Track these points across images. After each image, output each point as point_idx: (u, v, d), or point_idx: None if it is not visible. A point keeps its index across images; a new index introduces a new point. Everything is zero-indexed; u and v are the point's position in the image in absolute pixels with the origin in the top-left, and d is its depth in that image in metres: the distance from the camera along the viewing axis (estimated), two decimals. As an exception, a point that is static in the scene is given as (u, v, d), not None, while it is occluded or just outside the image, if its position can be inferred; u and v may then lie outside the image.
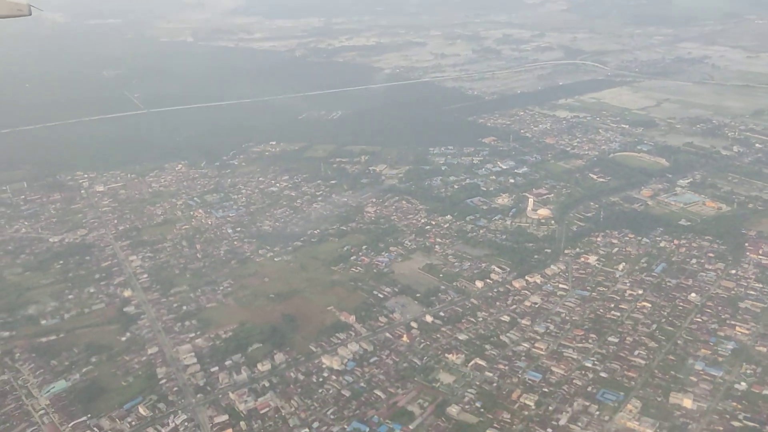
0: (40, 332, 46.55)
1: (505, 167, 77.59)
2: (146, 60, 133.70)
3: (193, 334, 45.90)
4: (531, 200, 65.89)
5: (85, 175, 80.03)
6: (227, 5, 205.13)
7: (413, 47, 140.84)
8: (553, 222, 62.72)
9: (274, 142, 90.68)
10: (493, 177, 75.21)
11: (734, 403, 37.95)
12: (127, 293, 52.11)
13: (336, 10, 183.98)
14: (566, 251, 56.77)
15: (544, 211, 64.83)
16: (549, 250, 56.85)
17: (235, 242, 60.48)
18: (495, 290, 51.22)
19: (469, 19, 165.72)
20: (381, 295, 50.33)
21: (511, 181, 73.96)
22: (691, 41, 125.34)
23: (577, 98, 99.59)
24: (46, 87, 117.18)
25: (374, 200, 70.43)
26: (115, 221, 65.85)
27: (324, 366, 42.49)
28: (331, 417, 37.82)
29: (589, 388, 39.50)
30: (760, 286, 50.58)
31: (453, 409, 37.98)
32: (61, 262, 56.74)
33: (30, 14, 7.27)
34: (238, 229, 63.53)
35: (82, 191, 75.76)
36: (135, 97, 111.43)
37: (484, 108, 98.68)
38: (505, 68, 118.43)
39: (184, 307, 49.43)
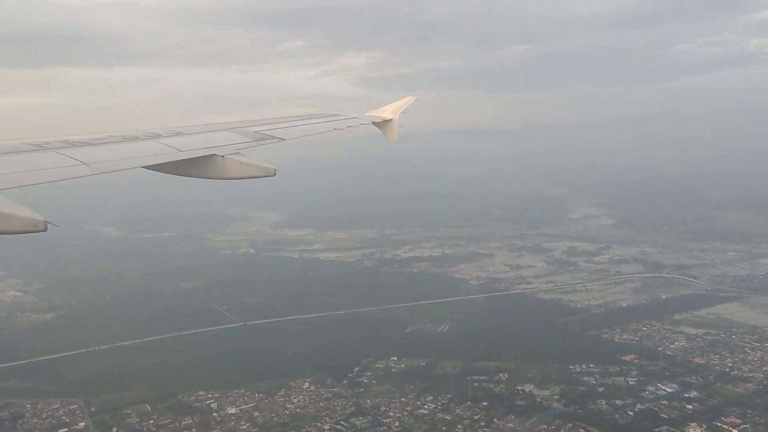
0: None
1: (670, 390, 73.40)
2: (219, 271, 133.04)
3: None
4: None
5: (210, 395, 74.04)
6: (273, 219, 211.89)
7: (482, 258, 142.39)
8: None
9: (395, 358, 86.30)
10: (665, 402, 70.61)
11: None
12: None
13: (386, 223, 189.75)
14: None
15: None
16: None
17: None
18: None
19: (521, 231, 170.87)
20: None
21: (688, 407, 69.29)
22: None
23: (692, 313, 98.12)
24: (126, 301, 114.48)
25: (545, 427, 64.99)
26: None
27: None
28: None
29: None
30: None
31: None
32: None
33: (45, 230, 7.10)
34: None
35: (214, 414, 69.56)
36: (224, 310, 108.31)
37: (598, 322, 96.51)
38: (591, 280, 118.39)
39: None
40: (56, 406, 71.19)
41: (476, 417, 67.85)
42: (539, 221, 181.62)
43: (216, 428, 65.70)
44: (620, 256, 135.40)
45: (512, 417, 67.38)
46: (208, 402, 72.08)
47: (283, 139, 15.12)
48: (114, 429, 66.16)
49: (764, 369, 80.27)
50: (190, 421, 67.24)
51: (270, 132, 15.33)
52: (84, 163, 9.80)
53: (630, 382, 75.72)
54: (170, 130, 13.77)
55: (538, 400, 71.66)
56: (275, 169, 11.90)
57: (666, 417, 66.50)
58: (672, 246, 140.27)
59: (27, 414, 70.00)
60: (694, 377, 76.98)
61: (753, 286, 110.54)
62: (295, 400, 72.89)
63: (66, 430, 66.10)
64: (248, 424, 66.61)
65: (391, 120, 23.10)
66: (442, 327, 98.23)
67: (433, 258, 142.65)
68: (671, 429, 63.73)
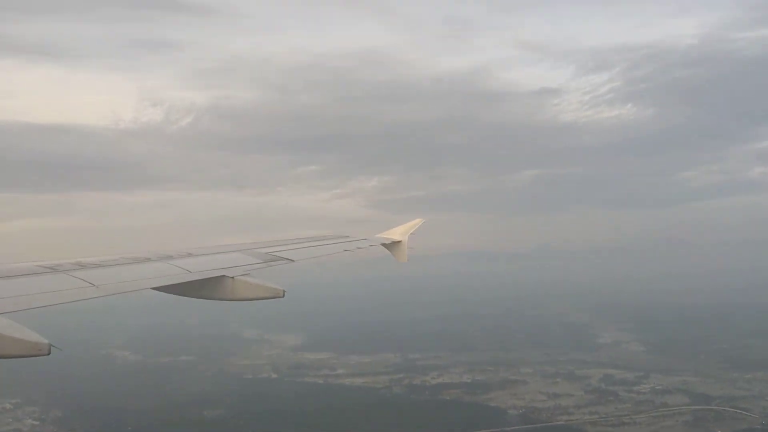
0: None
1: None
2: (242, 399, 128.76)
3: None
4: None
5: None
6: (292, 342, 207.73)
7: (516, 385, 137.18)
8: None
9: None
10: None
11: None
12: None
13: (409, 347, 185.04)
14: None
15: None
16: None
17: None
18: None
19: (550, 356, 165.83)
20: None
21: None
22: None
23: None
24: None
25: None
26: None
27: None
28: None
29: None
30: None
31: None
32: None
33: (49, 353, 6.98)
34: None
35: None
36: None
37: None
38: (637, 412, 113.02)
39: None
40: None
41: None
42: (567, 346, 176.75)
43: None
44: (662, 385, 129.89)
45: None
46: None
47: (294, 260, 15.22)
48: None
49: None
50: None
51: (280, 253, 15.42)
52: (93, 285, 9.87)
53: None
54: (181, 252, 13.86)
55: None
56: (284, 290, 11.92)
57: None
58: (714, 375, 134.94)
59: None
60: None
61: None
62: None
63: None
64: None
65: (400, 241, 23.30)
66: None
67: (463, 384, 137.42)
68: None
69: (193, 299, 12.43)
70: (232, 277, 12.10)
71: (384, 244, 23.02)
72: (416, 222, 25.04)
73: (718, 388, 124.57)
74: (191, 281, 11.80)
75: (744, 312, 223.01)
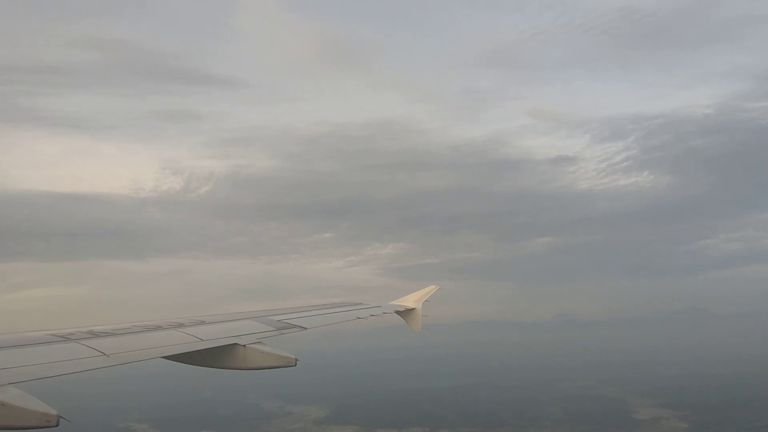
0: None
1: None
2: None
3: None
4: None
5: None
6: (314, 414, 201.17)
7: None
8: None
9: None
10: None
11: None
12: None
13: (437, 423, 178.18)
14: None
15: None
16: None
17: None
18: None
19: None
20: None
21: None
22: None
23: None
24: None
25: None
26: None
27: None
28: None
29: None
30: None
31: None
32: None
33: (57, 425, 7.12)
34: None
35: None
36: None
37: None
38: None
39: None
40: None
41: None
42: (605, 423, 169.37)
43: None
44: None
45: None
46: None
47: (306, 328, 15.10)
48: None
49: None
50: None
51: (292, 321, 15.38)
52: (104, 354, 9.92)
53: None
54: (194, 319, 13.90)
55: None
56: (296, 359, 11.85)
57: None
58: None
59: None
60: None
61: None
62: None
63: None
64: None
65: (414, 309, 22.77)
66: None
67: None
68: None
69: (205, 368, 12.27)
70: (244, 345, 12.07)
71: (398, 312, 22.41)
72: (431, 289, 24.40)
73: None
74: (202, 350, 11.76)
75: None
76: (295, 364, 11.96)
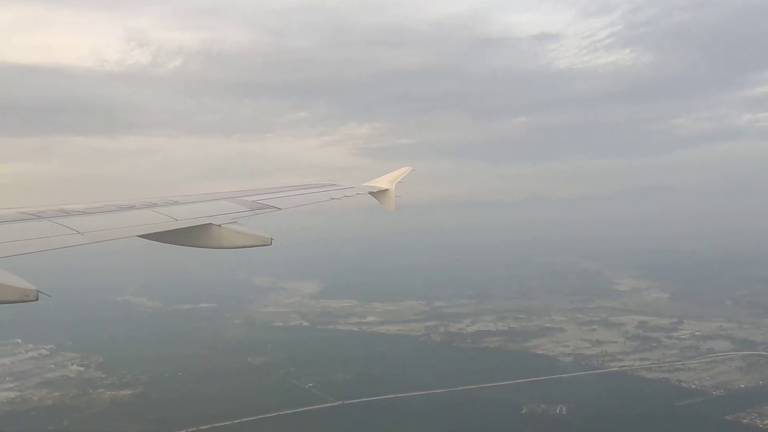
0: None
1: None
2: (283, 346, 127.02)
3: None
4: None
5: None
6: (308, 289, 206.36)
7: (554, 333, 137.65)
8: None
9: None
10: None
11: None
12: None
13: (430, 295, 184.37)
14: None
15: None
16: None
17: None
18: None
19: (575, 304, 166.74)
20: None
21: None
22: None
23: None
24: (199, 377, 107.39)
25: None
26: None
27: None
28: None
29: None
30: None
31: None
32: None
33: (37, 299, 6.92)
34: None
35: None
36: (310, 387, 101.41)
37: (728, 406, 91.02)
38: (686, 358, 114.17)
39: None
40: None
41: None
42: (589, 294, 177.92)
43: None
44: (700, 331, 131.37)
45: None
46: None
47: (280, 209, 15.11)
48: None
49: None
50: None
51: (267, 201, 15.36)
52: (78, 232, 9.76)
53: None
54: (167, 200, 13.81)
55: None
56: (271, 239, 11.85)
57: None
58: (749, 321, 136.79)
59: None
60: None
61: None
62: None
63: None
64: None
65: (387, 190, 22.97)
66: (559, 408, 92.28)
67: (501, 332, 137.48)
68: None
69: (181, 247, 12.15)
70: (219, 225, 11.94)
71: (371, 193, 22.47)
72: (404, 170, 24.45)
73: (758, 334, 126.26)
74: (178, 229, 11.58)
75: (743, 257, 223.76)
76: (271, 244, 11.92)
